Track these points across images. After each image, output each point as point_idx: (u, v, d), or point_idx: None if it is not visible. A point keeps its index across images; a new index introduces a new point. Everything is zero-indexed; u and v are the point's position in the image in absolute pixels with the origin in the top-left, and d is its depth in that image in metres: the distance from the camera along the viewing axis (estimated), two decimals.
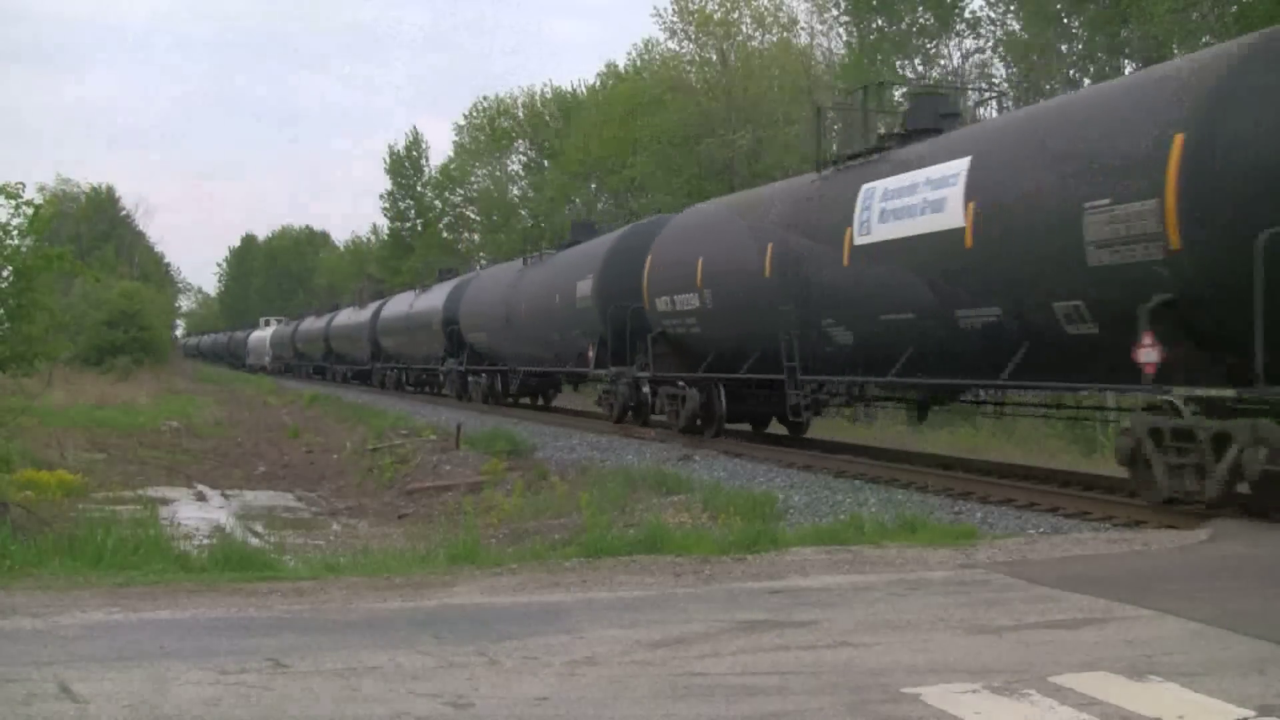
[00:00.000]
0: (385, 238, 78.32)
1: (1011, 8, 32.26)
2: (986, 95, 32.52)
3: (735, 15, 41.64)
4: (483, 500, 16.85)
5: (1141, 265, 10.45)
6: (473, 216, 66.89)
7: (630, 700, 5.16)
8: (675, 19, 41.93)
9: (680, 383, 20.58)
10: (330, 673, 5.60)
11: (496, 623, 6.73)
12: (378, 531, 15.94)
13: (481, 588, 7.84)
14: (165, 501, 18.06)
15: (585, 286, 24.09)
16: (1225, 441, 9.83)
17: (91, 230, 78.87)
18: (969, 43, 33.77)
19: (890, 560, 8.68)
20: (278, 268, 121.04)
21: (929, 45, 34.28)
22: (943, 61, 34.48)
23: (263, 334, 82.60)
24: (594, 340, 23.78)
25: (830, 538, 9.69)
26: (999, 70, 34.31)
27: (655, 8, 76.70)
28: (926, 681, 5.35)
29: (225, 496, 19.94)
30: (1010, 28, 32.74)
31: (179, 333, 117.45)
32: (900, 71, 34.93)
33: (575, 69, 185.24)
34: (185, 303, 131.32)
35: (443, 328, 36.21)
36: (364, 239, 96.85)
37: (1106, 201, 10.72)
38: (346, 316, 54.13)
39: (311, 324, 63.90)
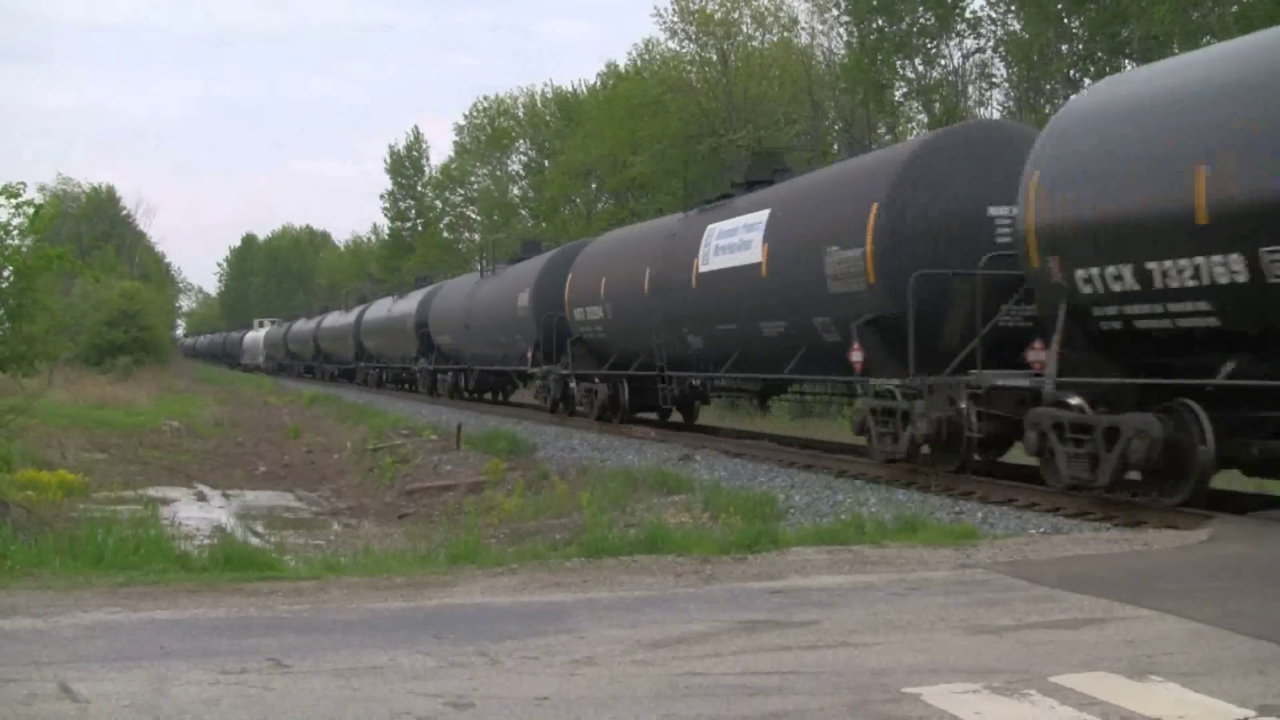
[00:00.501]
0: (386, 238, 78.44)
1: (1012, 8, 32.26)
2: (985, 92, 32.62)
3: (735, 15, 41.68)
4: (483, 500, 16.86)
5: (855, 294, 14.66)
6: (473, 216, 66.94)
7: (631, 700, 5.16)
8: (676, 19, 41.98)
9: (595, 379, 24.52)
10: (330, 673, 5.60)
11: (497, 622, 6.73)
12: (378, 531, 15.95)
13: (482, 588, 7.85)
14: (165, 501, 18.07)
15: (524, 298, 28.50)
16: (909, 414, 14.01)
17: (92, 230, 78.82)
18: (969, 42, 33.80)
19: (891, 560, 8.69)
20: (278, 268, 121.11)
21: (929, 45, 34.28)
22: (943, 61, 34.50)
23: (257, 334, 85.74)
24: (531, 343, 27.90)
25: (831, 538, 9.69)
26: (999, 70, 34.34)
27: (656, 8, 76.68)
28: (927, 681, 5.35)
29: (226, 496, 19.94)
30: (1011, 28, 32.76)
31: (179, 333, 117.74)
32: (901, 71, 34.97)
33: (574, 69, 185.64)
34: (185, 303, 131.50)
35: (415, 330, 40.44)
36: (364, 239, 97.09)
37: (837, 248, 14.97)
38: (334, 319, 58.26)
39: (302, 326, 67.85)
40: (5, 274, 15.51)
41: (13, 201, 15.09)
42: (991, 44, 33.43)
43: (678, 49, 42.97)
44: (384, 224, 78.68)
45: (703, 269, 18.99)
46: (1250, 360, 10.16)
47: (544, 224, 52.87)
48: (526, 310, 27.99)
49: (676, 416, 23.98)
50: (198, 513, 17.38)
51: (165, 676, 5.51)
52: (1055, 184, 11.62)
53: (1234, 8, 24.49)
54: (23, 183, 15.15)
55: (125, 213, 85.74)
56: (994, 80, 34.89)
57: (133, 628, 6.56)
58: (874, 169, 15.53)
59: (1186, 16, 24.88)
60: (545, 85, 66.77)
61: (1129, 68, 13.73)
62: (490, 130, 63.62)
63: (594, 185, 50.27)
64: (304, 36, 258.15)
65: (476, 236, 66.14)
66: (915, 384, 13.73)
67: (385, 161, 74.05)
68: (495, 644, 6.15)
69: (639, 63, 49.88)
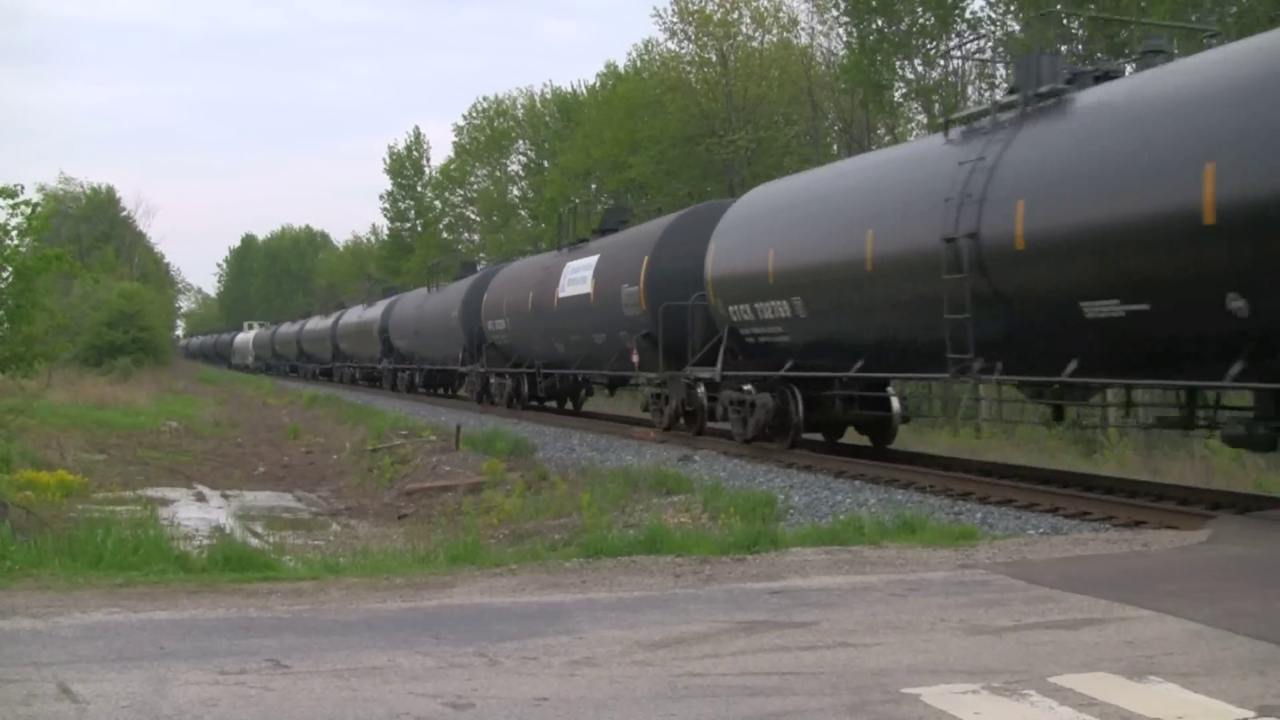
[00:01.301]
0: (385, 238, 78.41)
1: (1011, 8, 32.27)
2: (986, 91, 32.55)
3: (735, 16, 41.69)
4: (482, 501, 16.85)
5: (636, 316, 21.67)
6: (473, 217, 66.94)
7: (630, 701, 5.16)
8: (675, 19, 41.98)
9: (505, 375, 31.23)
10: (330, 673, 5.60)
11: (496, 623, 6.73)
12: (377, 532, 15.95)
13: (481, 588, 7.85)
14: (165, 502, 18.08)
15: (455, 310, 34.86)
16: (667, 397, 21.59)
17: (91, 230, 78.91)
18: (970, 45, 33.76)
19: (890, 561, 8.68)
20: (277, 268, 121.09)
21: (929, 45, 34.29)
22: (942, 61, 34.50)
23: (246, 336, 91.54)
24: (461, 347, 34.39)
25: (830, 538, 9.69)
26: (999, 70, 34.32)
27: (655, 8, 76.84)
28: (926, 682, 5.35)
29: (225, 497, 19.94)
30: (1010, 28, 32.76)
31: (179, 333, 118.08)
32: (900, 72, 34.97)
33: (572, 69, 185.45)
34: (185, 303, 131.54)
35: (379, 335, 46.14)
36: (364, 239, 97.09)
37: (628, 285, 22.00)
38: (314, 324, 64.69)
39: (287, 329, 74.41)
40: (4, 275, 15.50)
41: (11, 202, 15.09)
42: (991, 44, 33.43)
43: (677, 49, 43.02)
44: (383, 224, 78.80)
45: (561, 295, 26.01)
46: (808, 359, 17.01)
47: (543, 224, 52.86)
48: (456, 320, 34.37)
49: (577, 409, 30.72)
50: (197, 513, 17.38)
51: (164, 677, 5.51)
52: (719, 253, 19.02)
53: (1234, 8, 24.50)
54: (20, 185, 15.16)
55: (125, 213, 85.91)
56: (993, 81, 34.91)
57: (132, 628, 6.55)
58: (649, 233, 22.77)
59: (1185, 17, 24.88)
60: (544, 86, 66.72)
61: (1128, 69, 13.51)
62: (490, 131, 63.62)
63: (593, 186, 50.26)
64: (304, 36, 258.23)
65: (476, 237, 66.20)
66: (664, 376, 21.02)
67: (385, 162, 74.13)
68: (494, 644, 6.14)
69: (638, 63, 49.91)
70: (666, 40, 43.52)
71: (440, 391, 41.31)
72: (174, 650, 6.04)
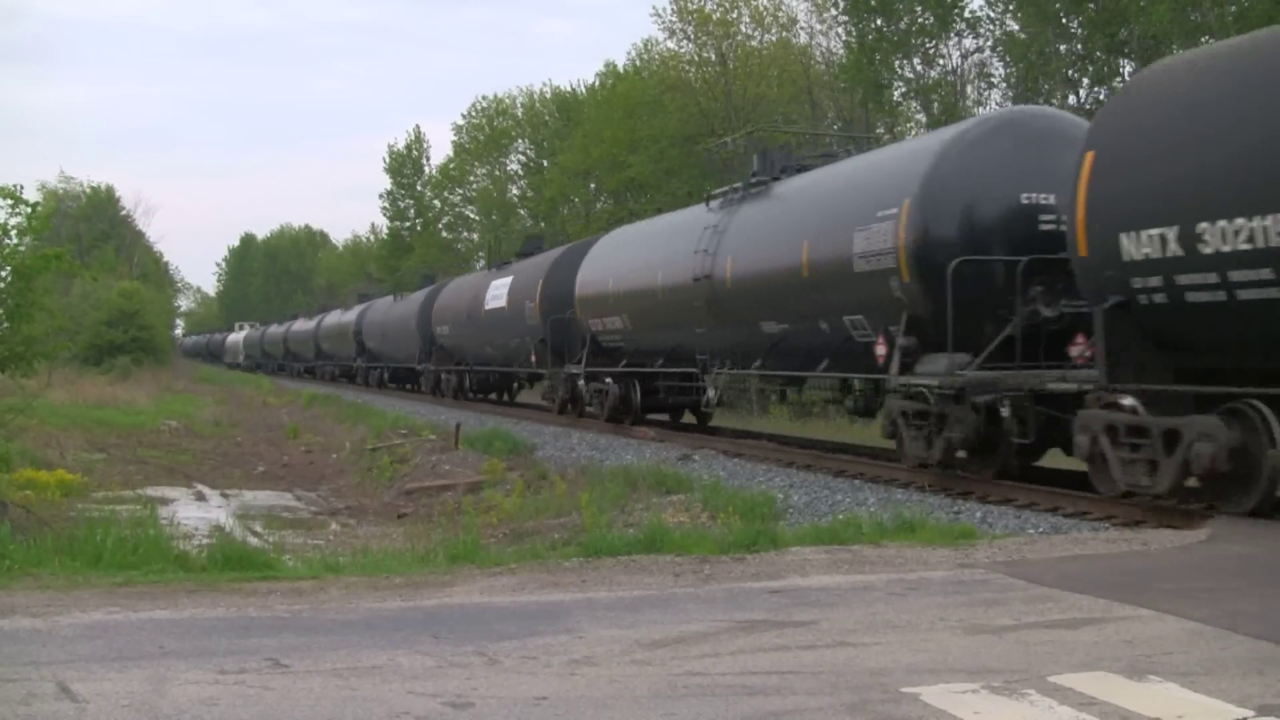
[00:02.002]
0: (385, 237, 78.33)
1: (1010, 7, 32.26)
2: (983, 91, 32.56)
3: (734, 15, 41.63)
4: (482, 500, 16.85)
5: (535, 325, 27.14)
6: (472, 216, 66.90)
7: (629, 700, 5.16)
8: (674, 19, 41.93)
9: (451, 373, 37.81)
10: (329, 673, 5.60)
11: (496, 622, 6.73)
12: (377, 531, 15.94)
13: (481, 588, 7.85)
14: (165, 501, 18.05)
15: (413, 317, 41.08)
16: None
17: (91, 230, 78.82)
18: (968, 42, 33.79)
19: (890, 560, 8.69)
20: (277, 267, 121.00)
21: (928, 45, 34.27)
22: (941, 61, 34.50)
23: (237, 337, 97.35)
24: (419, 348, 40.52)
25: (830, 537, 9.69)
26: (998, 70, 34.34)
27: (654, 7, 76.51)
28: (926, 681, 5.35)
29: (225, 496, 19.93)
30: (1010, 28, 32.75)
31: (178, 332, 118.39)
32: (899, 71, 34.95)
33: (571, 69, 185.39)
34: (184, 303, 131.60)
35: (354, 337, 52.02)
36: (363, 239, 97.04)
37: (529, 301, 27.69)
38: (300, 325, 70.35)
39: (274, 330, 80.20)
40: (4, 274, 15.50)
41: (10, 202, 15.09)
42: (990, 44, 33.44)
43: (676, 49, 42.96)
44: (383, 224, 78.73)
45: (486, 308, 32.15)
46: (636, 358, 23.41)
47: (543, 224, 52.85)
48: (413, 326, 40.59)
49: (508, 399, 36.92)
50: (196, 513, 17.36)
51: (164, 676, 5.51)
52: (583, 278, 25.02)
53: (1233, 8, 24.49)
54: (20, 185, 15.15)
55: (124, 213, 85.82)
56: (992, 80, 34.92)
57: (132, 627, 6.55)
58: (544, 261, 28.73)
59: (1185, 17, 24.88)
60: (544, 85, 66.53)
61: (1128, 69, 13.66)
62: (489, 130, 63.56)
63: (593, 185, 50.24)
64: (302, 36, 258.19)
65: (475, 236, 66.18)
66: (552, 372, 26.83)
67: (385, 161, 73.97)
68: (494, 644, 6.15)
69: (638, 63, 49.87)
70: (666, 39, 43.50)
71: (410, 389, 45.99)
72: (173, 649, 6.04)
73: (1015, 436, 12.65)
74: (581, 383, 25.32)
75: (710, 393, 20.30)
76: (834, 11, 38.04)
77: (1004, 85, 34.25)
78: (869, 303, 14.44)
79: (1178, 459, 10.28)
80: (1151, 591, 7.24)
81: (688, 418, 24.54)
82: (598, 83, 54.51)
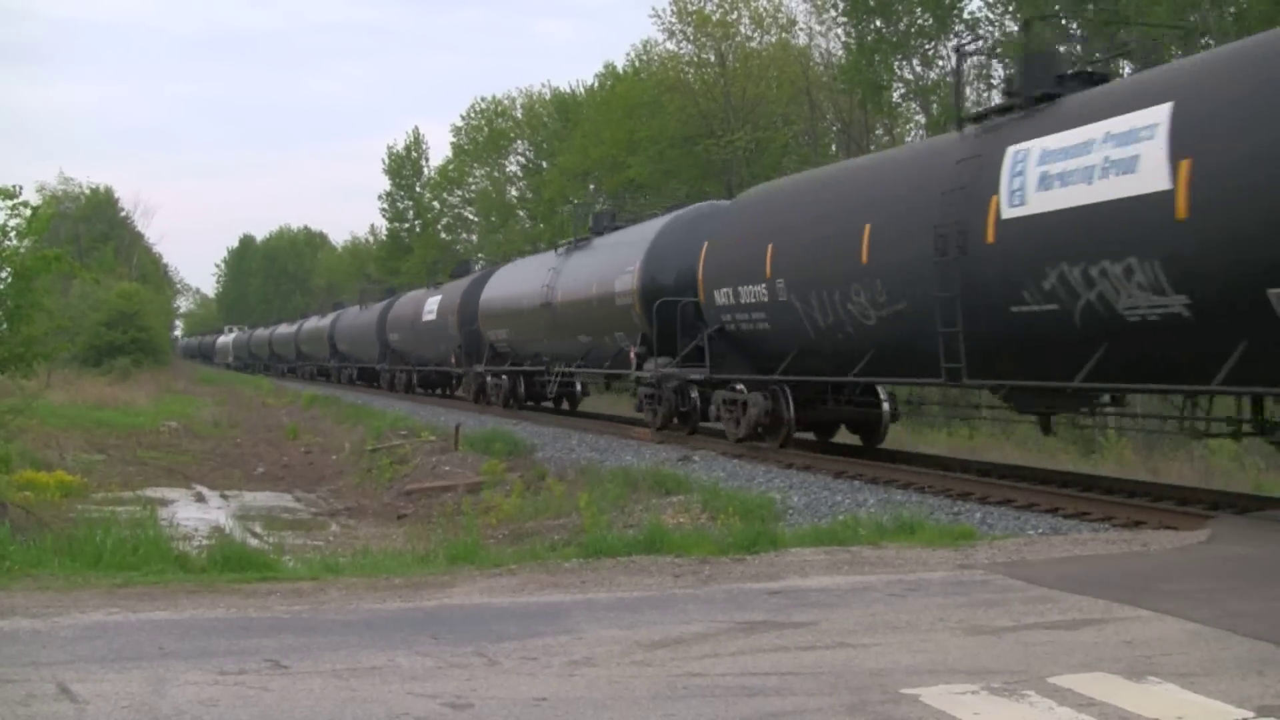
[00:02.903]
0: (384, 238, 78.30)
1: (1009, 8, 32.26)
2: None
3: (734, 16, 41.67)
4: (481, 501, 16.85)
5: (449, 336, 35.71)
6: (471, 218, 66.88)
7: (629, 701, 5.16)
8: (674, 20, 41.97)
9: (405, 372, 42.84)
10: (329, 673, 5.60)
11: (495, 623, 6.73)
12: (377, 532, 15.94)
13: (480, 588, 7.85)
14: (164, 502, 18.06)
15: (373, 325, 46.57)
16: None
17: (90, 231, 78.83)
18: (969, 46, 33.72)
19: (889, 561, 8.69)
20: (276, 268, 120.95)
21: (927, 46, 34.29)
22: (940, 62, 34.51)
23: (226, 339, 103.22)
24: (377, 351, 46.20)
25: (829, 538, 9.69)
26: (998, 70, 34.32)
27: (654, 8, 76.81)
28: (925, 682, 5.35)
29: (224, 497, 19.94)
30: (1009, 29, 32.74)
31: (178, 333, 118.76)
32: (898, 72, 34.97)
33: (570, 70, 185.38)
34: (184, 303, 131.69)
35: (329, 341, 56.52)
36: (362, 240, 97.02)
37: (451, 316, 35.25)
38: (283, 329, 75.70)
39: (260, 333, 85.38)
40: (3, 275, 15.51)
41: (10, 203, 15.09)
42: (989, 45, 33.41)
43: (676, 50, 43.00)
44: (382, 225, 78.71)
45: (424, 319, 37.48)
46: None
47: (542, 225, 52.85)
48: (373, 333, 46.18)
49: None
50: (196, 513, 17.37)
51: (164, 677, 5.51)
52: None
53: (1232, 9, 24.50)
54: (19, 186, 15.15)
55: (123, 213, 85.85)
56: (992, 81, 34.91)
57: (131, 628, 6.55)
58: (459, 286, 34.29)
59: (1185, 17, 24.88)
60: (543, 86, 66.53)
61: (1127, 69, 13.73)
62: (488, 131, 63.54)
63: (592, 186, 50.25)
64: (300, 37, 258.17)
65: (474, 237, 66.16)
66: (473, 371, 31.73)
67: (384, 162, 73.97)
68: (493, 645, 6.15)
69: (637, 64, 49.88)
70: (665, 40, 43.55)
71: (374, 385, 49.59)
72: (173, 650, 6.04)
73: (697, 408, 19.90)
74: (488, 379, 31.71)
75: (577, 387, 28.93)
76: (833, 13, 38.11)
77: (1004, 85, 34.21)
78: (625, 324, 21.74)
79: (749, 416, 17.66)
80: (1151, 592, 7.24)
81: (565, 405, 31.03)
82: (597, 84, 54.56)
